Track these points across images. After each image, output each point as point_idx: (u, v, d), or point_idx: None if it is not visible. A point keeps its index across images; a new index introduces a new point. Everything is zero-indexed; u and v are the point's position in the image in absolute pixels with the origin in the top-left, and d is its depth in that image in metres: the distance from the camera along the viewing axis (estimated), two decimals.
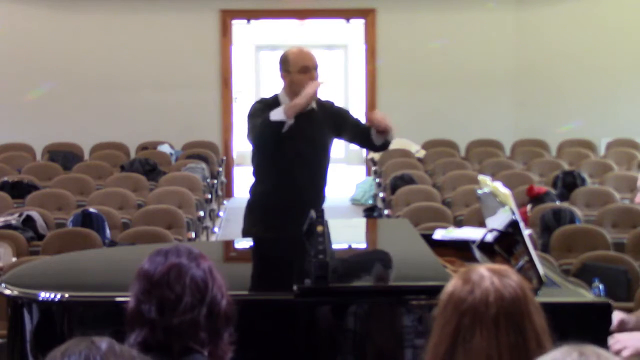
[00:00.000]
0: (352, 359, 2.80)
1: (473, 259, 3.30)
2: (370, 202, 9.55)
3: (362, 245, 3.97)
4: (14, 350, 2.89)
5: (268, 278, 3.33)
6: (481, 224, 4.13)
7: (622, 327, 2.80)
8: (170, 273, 1.97)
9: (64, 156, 9.41)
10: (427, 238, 3.53)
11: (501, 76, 10.35)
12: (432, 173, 8.72)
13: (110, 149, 9.71)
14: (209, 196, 8.24)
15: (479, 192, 3.59)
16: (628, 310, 3.21)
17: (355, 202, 9.91)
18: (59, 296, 2.81)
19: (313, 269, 2.76)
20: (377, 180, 8.93)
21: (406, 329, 2.76)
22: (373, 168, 9.52)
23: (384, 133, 4.02)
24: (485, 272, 1.76)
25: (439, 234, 3.68)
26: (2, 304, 3.34)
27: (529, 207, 6.89)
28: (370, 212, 8.86)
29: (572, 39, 10.24)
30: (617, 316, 2.81)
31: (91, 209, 6.44)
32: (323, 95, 4.17)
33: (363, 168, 11.07)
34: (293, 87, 4.00)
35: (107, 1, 10.12)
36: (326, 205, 4.01)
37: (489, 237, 3.35)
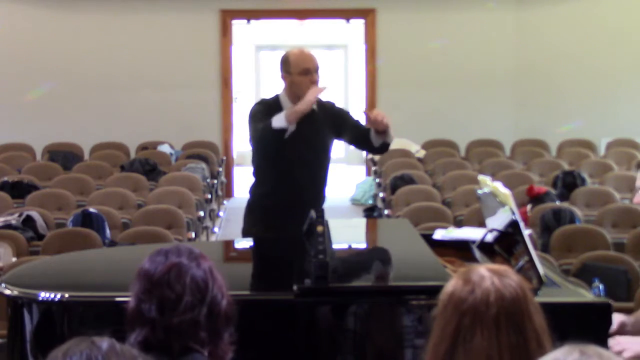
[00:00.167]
0: (352, 359, 2.80)
1: (473, 259, 3.30)
2: (370, 202, 9.55)
3: (362, 245, 3.97)
4: (14, 350, 2.89)
5: (268, 278, 3.33)
6: (481, 224, 4.13)
7: (623, 330, 2.79)
8: (171, 273, 1.97)
9: (64, 156, 9.41)
10: (427, 238, 3.53)
11: (501, 76, 10.35)
12: (432, 173, 8.73)
13: (110, 149, 9.71)
14: (209, 196, 8.24)
15: (479, 192, 3.59)
16: (628, 311, 3.21)
17: (355, 202, 9.92)
18: (59, 296, 2.81)
19: (313, 269, 2.76)
20: (377, 180, 8.93)
21: (406, 329, 2.76)
22: (373, 168, 9.52)
23: (383, 134, 4.00)
24: (485, 272, 1.76)
25: (439, 234, 3.68)
26: (2, 304, 3.34)
27: (529, 207, 6.89)
28: (370, 212, 8.86)
29: (572, 39, 10.24)
30: (617, 319, 2.81)
31: (91, 209, 6.44)
32: (324, 96, 4.16)
33: (363, 168, 11.07)
34: (293, 89, 4.00)
35: (107, 1, 10.12)
36: (326, 205, 4.01)
37: (489, 237, 3.35)
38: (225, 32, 10.26)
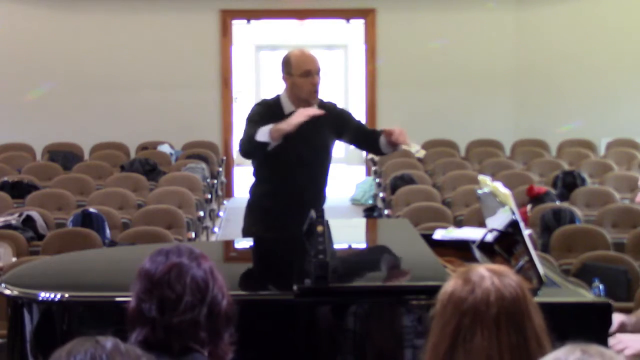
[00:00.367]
0: (352, 359, 2.80)
1: (473, 259, 3.30)
2: (370, 202, 9.56)
3: (362, 245, 3.97)
4: (14, 350, 2.89)
5: (268, 278, 3.33)
6: (481, 224, 4.13)
7: (623, 330, 2.80)
8: (171, 273, 1.97)
9: (64, 156, 9.41)
10: (427, 238, 3.53)
11: (501, 76, 10.35)
12: (432, 173, 8.73)
13: (110, 149, 9.71)
14: (209, 196, 8.24)
15: (479, 192, 3.59)
16: (628, 311, 3.22)
17: (355, 202, 9.91)
18: (59, 296, 2.81)
19: (313, 269, 2.76)
20: (377, 180, 8.93)
21: (406, 329, 2.76)
22: (373, 168, 9.52)
23: (396, 145, 4.01)
24: (485, 272, 1.76)
25: (439, 234, 3.68)
26: (2, 304, 3.34)
27: (529, 207, 6.89)
28: (370, 212, 8.86)
29: (572, 39, 10.24)
30: (617, 319, 2.81)
31: (91, 209, 6.44)
32: (325, 96, 4.17)
33: (363, 168, 11.07)
34: (294, 90, 4.00)
35: (107, 1, 10.12)
36: (326, 205, 4.01)
37: (489, 237, 3.35)
38: (225, 32, 10.26)
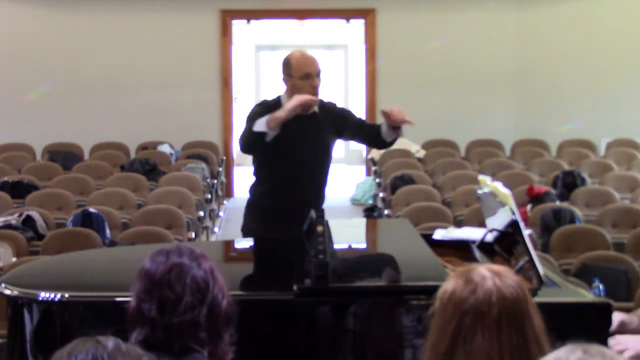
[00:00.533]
0: (352, 359, 2.80)
1: (473, 259, 3.30)
2: (370, 202, 9.56)
3: (362, 245, 3.97)
4: (14, 350, 2.89)
5: (268, 278, 3.33)
6: (481, 224, 4.13)
7: (624, 329, 2.79)
8: (171, 273, 1.97)
9: (64, 156, 9.41)
10: (427, 238, 3.53)
11: (501, 76, 10.35)
12: (432, 173, 8.73)
13: (110, 149, 9.71)
14: (209, 196, 8.24)
15: (479, 192, 3.59)
16: (628, 310, 3.21)
17: (355, 202, 9.91)
18: (59, 296, 2.81)
19: (313, 269, 2.76)
20: (377, 180, 8.93)
21: (406, 329, 2.76)
22: (373, 168, 9.52)
23: (397, 129, 4.02)
24: (487, 273, 1.75)
25: (439, 234, 3.68)
26: (2, 304, 3.34)
27: (529, 207, 6.89)
28: (370, 212, 8.86)
29: (572, 39, 10.24)
30: (617, 317, 2.81)
31: (91, 209, 6.44)
32: (325, 96, 4.17)
33: (363, 168, 11.07)
34: (294, 92, 4.00)
35: (107, 1, 10.13)
36: (326, 205, 4.00)
37: (489, 237, 3.35)
38: (225, 32, 10.26)
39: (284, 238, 3.89)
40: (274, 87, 4.27)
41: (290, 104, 3.83)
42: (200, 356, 1.96)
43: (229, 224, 8.64)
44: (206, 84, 10.26)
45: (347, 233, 3.95)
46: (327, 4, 10.30)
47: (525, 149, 9.76)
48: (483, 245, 3.38)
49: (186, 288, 1.95)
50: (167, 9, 10.13)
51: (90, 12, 10.11)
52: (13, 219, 6.26)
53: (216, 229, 8.61)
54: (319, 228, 2.93)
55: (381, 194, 8.39)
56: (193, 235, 6.67)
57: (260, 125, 3.85)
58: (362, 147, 10.71)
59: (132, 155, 9.74)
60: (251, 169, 4.25)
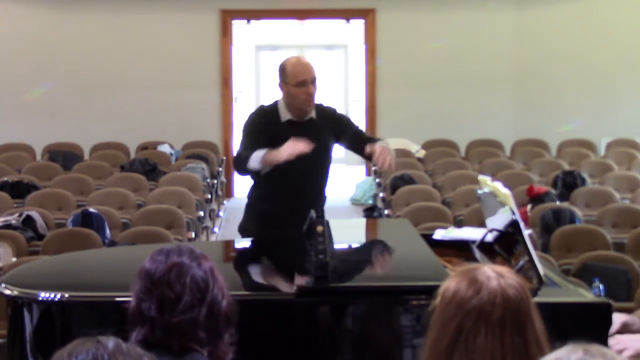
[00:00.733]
0: (352, 358, 2.80)
1: (473, 259, 3.30)
2: (370, 202, 9.55)
3: (362, 245, 3.97)
4: (14, 350, 2.89)
5: (268, 278, 3.33)
6: (481, 224, 4.13)
7: (626, 330, 2.79)
8: (171, 272, 1.97)
9: (64, 156, 9.40)
10: (427, 238, 3.53)
11: (501, 76, 10.35)
12: (432, 173, 8.73)
13: (110, 149, 9.71)
14: (209, 196, 8.24)
15: (479, 192, 3.59)
16: (628, 311, 3.21)
17: (355, 202, 9.91)
18: (59, 296, 2.81)
19: (313, 269, 2.76)
20: (377, 180, 8.93)
21: (406, 328, 2.76)
22: (373, 168, 9.51)
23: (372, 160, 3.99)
24: (491, 273, 1.75)
25: (439, 234, 3.68)
26: (2, 304, 3.34)
27: (529, 207, 6.89)
28: (370, 212, 8.86)
29: (572, 39, 10.23)
30: (620, 318, 2.80)
31: (91, 209, 6.44)
32: (324, 100, 4.17)
33: (363, 168, 11.06)
34: (289, 99, 4.01)
35: (107, 1, 10.12)
36: (326, 205, 4.00)
37: (489, 237, 3.35)
38: (225, 32, 10.26)
39: (284, 238, 3.88)
40: (274, 87, 4.25)
41: (286, 152, 3.78)
42: (200, 356, 1.96)
43: (229, 224, 8.64)
44: (206, 84, 10.26)
45: (347, 233, 3.95)
46: (327, 4, 10.30)
47: (525, 149, 9.75)
48: (483, 245, 3.38)
49: (186, 288, 1.96)
50: (167, 9, 10.13)
51: (90, 12, 10.11)
52: (13, 219, 6.26)
53: (216, 229, 8.61)
54: (319, 228, 2.93)
55: (381, 194, 8.39)
56: (193, 235, 6.67)
57: (255, 162, 3.86)
58: None
59: (132, 155, 9.74)
60: None
